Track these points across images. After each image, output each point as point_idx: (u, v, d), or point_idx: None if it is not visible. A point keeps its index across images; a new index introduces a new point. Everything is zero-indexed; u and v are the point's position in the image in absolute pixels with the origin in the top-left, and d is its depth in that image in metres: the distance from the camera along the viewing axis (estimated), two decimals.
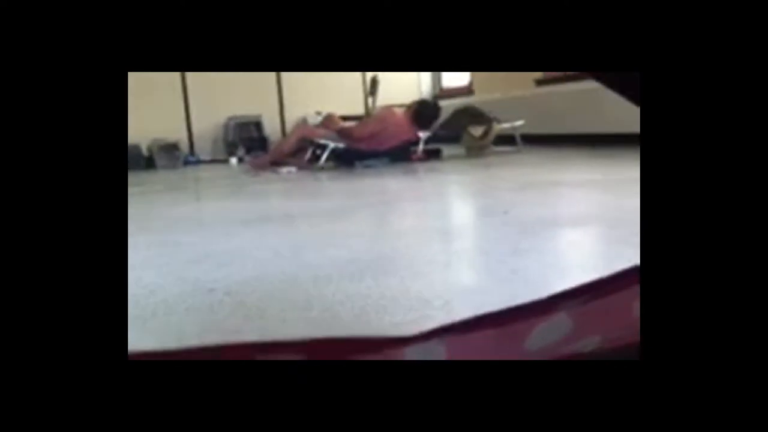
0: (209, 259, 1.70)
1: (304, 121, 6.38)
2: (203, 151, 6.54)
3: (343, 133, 4.77)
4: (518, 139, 5.17)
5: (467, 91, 6.80)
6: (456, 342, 0.54)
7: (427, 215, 2.47)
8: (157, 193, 3.83)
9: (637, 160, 0.46)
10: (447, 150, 5.06)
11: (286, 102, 6.95)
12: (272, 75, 6.82)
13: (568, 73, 5.07)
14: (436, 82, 7.52)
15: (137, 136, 5.80)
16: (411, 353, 0.52)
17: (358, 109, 6.86)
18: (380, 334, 0.60)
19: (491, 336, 0.54)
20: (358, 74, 7.09)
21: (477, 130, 5.12)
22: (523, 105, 5.50)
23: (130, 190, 3.92)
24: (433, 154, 4.90)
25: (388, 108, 5.04)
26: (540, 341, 0.55)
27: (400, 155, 4.72)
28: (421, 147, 4.80)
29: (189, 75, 6.42)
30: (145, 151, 6.05)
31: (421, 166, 4.45)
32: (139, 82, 5.46)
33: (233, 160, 6.10)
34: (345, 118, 5.44)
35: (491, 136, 5.09)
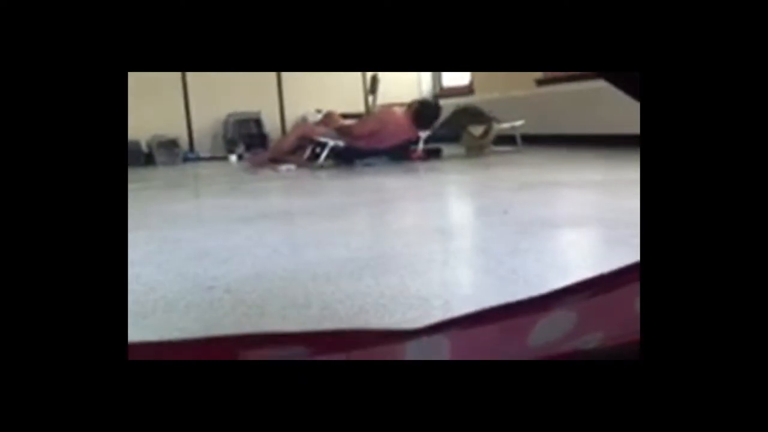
0: (209, 256, 1.70)
1: (303, 119, 6.38)
2: (203, 147, 6.54)
3: (342, 131, 4.77)
4: (518, 139, 5.17)
5: (468, 90, 6.80)
6: (459, 336, 0.54)
7: (427, 214, 2.47)
8: (156, 190, 3.83)
9: (638, 162, 0.46)
10: (447, 149, 5.07)
11: (286, 99, 6.95)
12: (272, 72, 6.81)
13: (568, 73, 5.08)
14: (437, 81, 7.52)
15: (137, 132, 5.79)
16: (414, 347, 0.52)
17: (359, 107, 6.86)
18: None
19: (494, 331, 0.55)
20: (358, 72, 7.09)
21: (477, 130, 5.12)
22: (523, 105, 5.50)
23: (130, 186, 3.91)
24: (432, 154, 4.90)
25: (388, 107, 5.04)
26: (543, 337, 0.55)
27: (400, 154, 4.72)
28: (420, 146, 4.80)
29: (189, 71, 6.42)
30: (144, 148, 6.04)
31: (420, 165, 4.45)
32: (139, 78, 5.44)
33: (233, 158, 6.09)
34: (345, 116, 5.44)
35: (491, 136, 5.09)
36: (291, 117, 6.87)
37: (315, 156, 4.73)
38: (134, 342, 0.47)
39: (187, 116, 6.54)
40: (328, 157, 4.63)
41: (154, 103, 6.16)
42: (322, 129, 4.92)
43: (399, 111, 4.85)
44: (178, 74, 6.41)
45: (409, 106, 4.89)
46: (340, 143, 4.63)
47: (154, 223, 2.38)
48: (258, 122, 6.60)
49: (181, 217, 2.62)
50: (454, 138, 5.25)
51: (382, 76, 6.00)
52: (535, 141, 5.33)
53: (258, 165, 4.97)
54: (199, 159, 6.33)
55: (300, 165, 4.72)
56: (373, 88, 5.98)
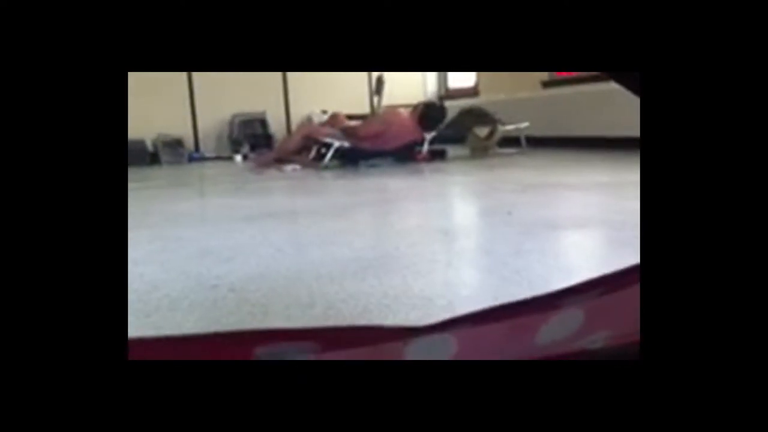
0: (212, 255, 1.70)
1: (309, 119, 6.39)
2: (208, 147, 6.56)
3: (347, 132, 4.77)
4: (523, 141, 5.17)
5: (473, 92, 6.80)
6: (467, 334, 0.54)
7: (431, 215, 2.47)
8: (160, 189, 3.84)
9: None
10: (452, 150, 5.06)
11: (291, 99, 6.96)
12: (278, 73, 6.83)
13: (574, 75, 5.07)
14: (442, 82, 7.52)
15: (142, 131, 5.81)
16: (422, 343, 0.52)
17: (364, 108, 6.86)
18: None
19: (502, 329, 0.54)
20: (363, 73, 7.09)
21: (482, 131, 5.12)
22: (528, 107, 5.49)
23: (134, 185, 3.93)
24: (437, 155, 4.90)
25: (393, 109, 5.04)
26: (550, 335, 0.55)
27: (405, 155, 4.72)
28: (425, 147, 4.80)
29: (192, 72, 6.43)
30: (150, 147, 6.06)
31: (425, 167, 4.45)
32: (145, 78, 5.48)
33: (238, 158, 6.11)
34: (350, 117, 5.45)
35: (496, 138, 5.08)
36: (296, 117, 6.88)
37: (320, 156, 4.74)
38: (143, 337, 0.47)
39: (192, 116, 6.56)
40: (333, 157, 4.63)
41: (159, 102, 6.18)
42: (327, 129, 4.93)
43: (404, 112, 4.86)
44: (183, 74, 6.43)
45: (415, 107, 4.89)
46: (346, 144, 4.63)
47: (158, 222, 2.39)
48: (263, 122, 6.61)
49: (185, 216, 2.62)
50: (459, 139, 5.25)
51: (388, 77, 6.01)
52: (541, 143, 5.33)
53: (263, 165, 4.98)
54: (204, 159, 6.34)
55: (305, 165, 4.72)
56: (378, 89, 5.98)
